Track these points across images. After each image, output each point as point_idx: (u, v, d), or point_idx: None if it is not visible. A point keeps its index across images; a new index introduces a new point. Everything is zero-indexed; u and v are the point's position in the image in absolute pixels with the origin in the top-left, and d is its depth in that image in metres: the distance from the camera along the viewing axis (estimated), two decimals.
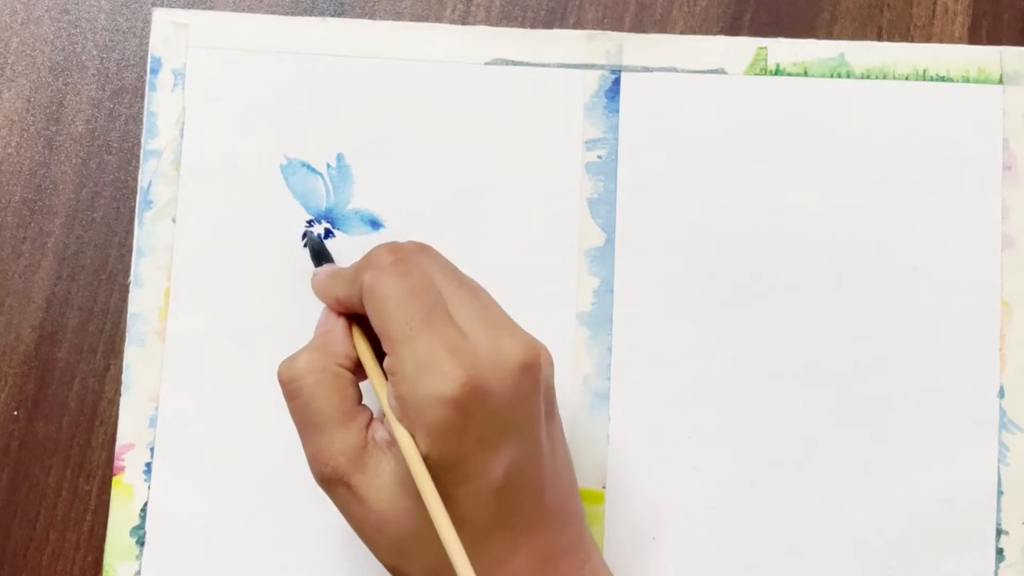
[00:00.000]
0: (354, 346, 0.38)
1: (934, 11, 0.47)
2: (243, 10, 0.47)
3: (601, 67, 0.46)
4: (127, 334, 0.45)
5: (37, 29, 0.47)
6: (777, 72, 0.46)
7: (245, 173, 0.46)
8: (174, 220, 0.46)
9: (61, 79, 0.47)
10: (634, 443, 0.45)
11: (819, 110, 0.46)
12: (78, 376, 0.45)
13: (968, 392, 0.45)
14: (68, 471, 0.45)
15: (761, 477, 0.45)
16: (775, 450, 0.45)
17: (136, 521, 0.44)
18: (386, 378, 0.36)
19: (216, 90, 0.46)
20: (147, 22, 0.47)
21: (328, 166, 0.46)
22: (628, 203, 0.46)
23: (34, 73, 0.47)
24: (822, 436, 0.45)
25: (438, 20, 0.47)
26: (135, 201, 0.46)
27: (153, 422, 0.45)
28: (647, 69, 0.46)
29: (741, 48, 0.46)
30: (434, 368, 0.34)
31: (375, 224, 0.46)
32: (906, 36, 0.47)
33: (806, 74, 0.46)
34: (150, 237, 0.46)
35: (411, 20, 0.47)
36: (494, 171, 0.46)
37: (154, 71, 0.46)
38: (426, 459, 0.34)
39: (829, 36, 0.47)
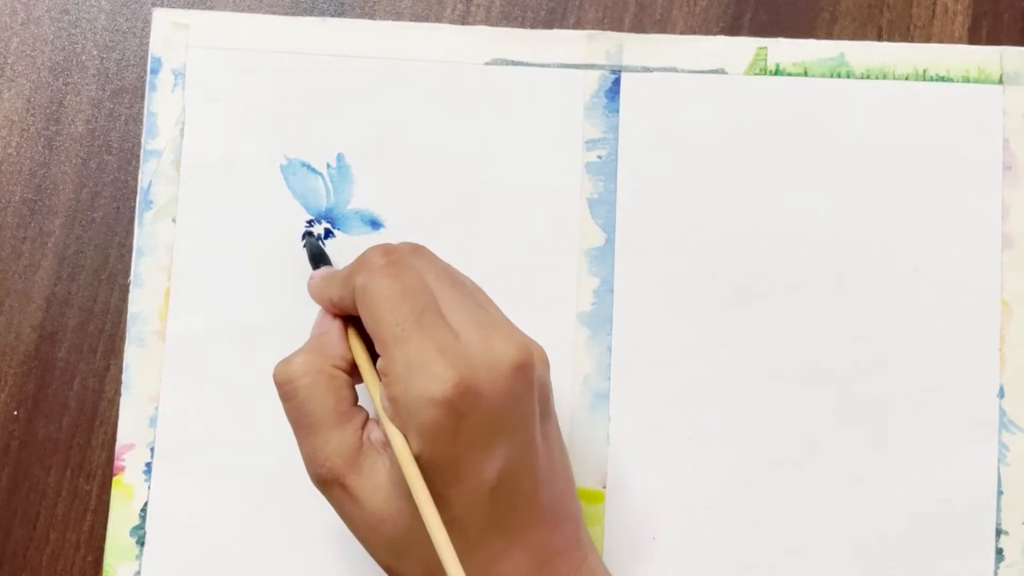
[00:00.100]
0: (349, 348, 0.38)
1: (934, 11, 0.47)
2: (243, 10, 0.47)
3: (601, 67, 0.46)
4: (127, 334, 0.45)
5: (37, 29, 0.47)
6: (777, 72, 0.46)
7: (245, 173, 0.46)
8: (174, 220, 0.46)
9: (61, 79, 0.47)
10: (634, 443, 0.45)
11: (819, 110, 0.46)
12: (78, 376, 0.45)
13: (968, 392, 0.45)
14: (68, 471, 0.45)
15: (761, 477, 0.45)
16: (775, 450, 0.45)
17: (136, 521, 0.44)
18: (380, 379, 0.36)
19: (216, 90, 0.46)
20: (147, 22, 0.47)
21: (328, 166, 0.46)
22: (628, 203, 0.46)
23: (34, 73, 0.47)
24: (822, 436, 0.45)
25: (438, 20, 0.47)
26: (135, 201, 0.46)
27: (153, 422, 0.45)
28: (647, 69, 0.46)
29: (741, 48, 0.46)
30: (425, 369, 0.34)
31: (375, 224, 0.46)
32: (906, 36, 0.47)
33: (806, 74, 0.46)
34: (150, 237, 0.46)
35: (411, 20, 0.47)
36: (494, 171, 0.46)
37: (154, 71, 0.46)
38: (418, 459, 0.34)
39: (829, 36, 0.47)
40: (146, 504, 0.44)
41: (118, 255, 0.46)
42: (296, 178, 0.46)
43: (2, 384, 0.45)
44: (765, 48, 0.46)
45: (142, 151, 0.46)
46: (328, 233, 0.46)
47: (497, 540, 0.36)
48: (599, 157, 0.46)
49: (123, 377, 0.45)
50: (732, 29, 0.47)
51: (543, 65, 0.46)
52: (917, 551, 0.44)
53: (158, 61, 0.46)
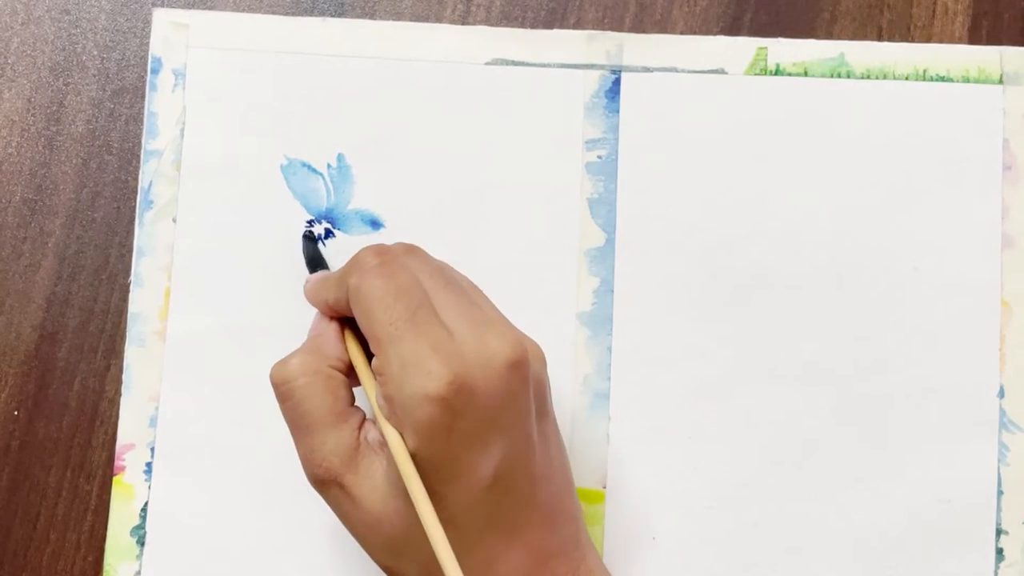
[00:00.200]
0: (346, 349, 0.39)
1: (934, 11, 0.47)
2: (243, 10, 0.47)
3: (601, 67, 0.46)
4: (127, 334, 0.45)
5: (38, 29, 0.47)
6: (777, 72, 0.46)
7: (245, 173, 0.46)
8: (174, 220, 0.46)
9: (62, 79, 0.47)
10: (634, 443, 0.45)
11: (819, 110, 0.46)
12: (78, 376, 0.45)
13: (968, 392, 0.45)
14: (68, 471, 0.45)
15: (761, 477, 0.45)
16: (775, 450, 0.45)
17: (136, 521, 0.44)
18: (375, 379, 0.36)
19: (216, 90, 0.46)
20: (147, 22, 0.47)
21: (328, 166, 0.46)
22: (628, 203, 0.46)
23: (35, 73, 0.47)
24: (822, 436, 0.45)
25: (438, 20, 0.47)
26: (135, 201, 0.46)
27: (153, 422, 0.45)
28: (647, 69, 0.46)
29: (741, 48, 0.46)
30: (420, 367, 0.34)
31: (375, 224, 0.46)
32: (906, 36, 0.47)
33: (806, 74, 0.46)
34: (150, 237, 0.46)
35: (411, 20, 0.47)
36: (494, 171, 0.46)
37: (154, 71, 0.46)
38: (414, 457, 0.34)
39: (829, 36, 0.47)
40: (146, 504, 0.44)
41: (118, 255, 0.46)
42: (296, 178, 0.46)
43: (2, 384, 0.45)
44: (765, 48, 0.46)
45: (142, 151, 0.46)
46: (328, 233, 0.46)
47: (494, 539, 0.36)
48: (599, 157, 0.46)
49: (123, 377, 0.45)
50: (732, 29, 0.47)
51: (543, 65, 0.46)
52: (917, 551, 0.44)
53: (158, 61, 0.46)
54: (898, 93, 0.46)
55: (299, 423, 0.37)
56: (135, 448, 0.45)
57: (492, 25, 0.47)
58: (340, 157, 0.46)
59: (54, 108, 0.47)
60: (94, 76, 0.47)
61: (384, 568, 0.37)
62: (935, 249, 0.45)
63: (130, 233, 0.46)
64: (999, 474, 0.44)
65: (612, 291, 0.45)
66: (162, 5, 0.47)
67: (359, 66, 0.46)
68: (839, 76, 0.46)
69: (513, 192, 0.46)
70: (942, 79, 0.46)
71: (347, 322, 0.39)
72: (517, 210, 0.46)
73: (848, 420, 0.45)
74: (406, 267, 0.37)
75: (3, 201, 0.46)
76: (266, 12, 0.47)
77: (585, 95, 0.46)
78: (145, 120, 0.46)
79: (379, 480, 0.36)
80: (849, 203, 0.46)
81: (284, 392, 0.37)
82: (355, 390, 0.39)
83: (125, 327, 0.45)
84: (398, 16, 0.47)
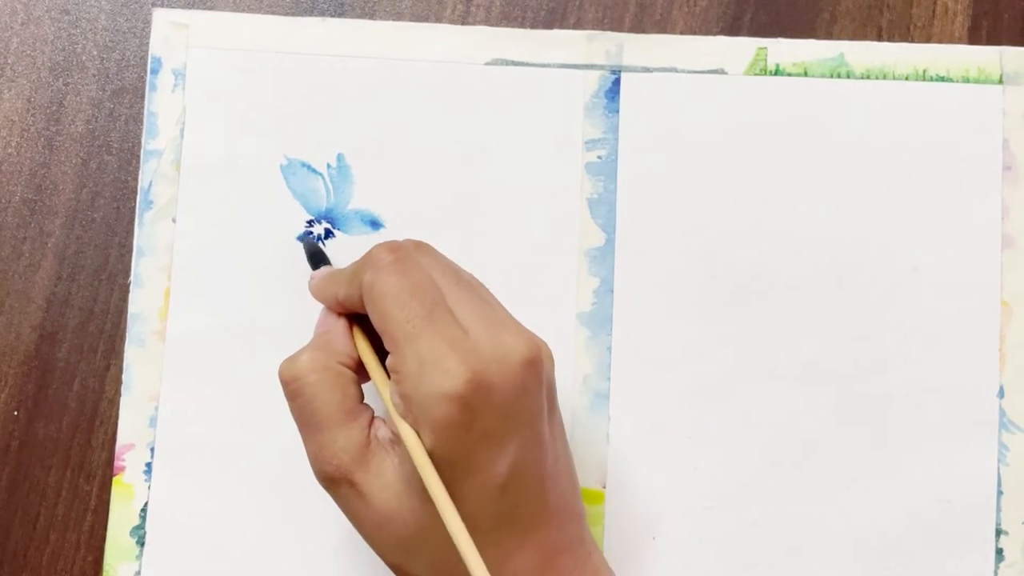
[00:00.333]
0: (355, 345, 0.38)
1: (934, 11, 0.47)
2: (243, 10, 0.47)
3: (601, 67, 0.46)
4: (127, 334, 0.45)
5: (37, 29, 0.47)
6: (777, 72, 0.46)
7: (245, 173, 0.46)
8: (174, 220, 0.46)
9: (61, 79, 0.47)
10: (634, 443, 0.45)
11: (819, 110, 0.46)
12: (78, 376, 0.45)
13: (968, 392, 0.45)
14: (68, 471, 0.45)
15: (761, 477, 0.45)
16: (775, 450, 0.45)
17: (136, 521, 0.44)
18: (388, 377, 0.36)
19: (216, 90, 0.46)
20: (147, 22, 0.47)
21: (328, 166, 0.46)
22: (628, 203, 0.46)
23: (34, 73, 0.47)
24: (822, 436, 0.45)
25: (438, 20, 0.47)
26: (135, 201, 0.46)
27: (153, 422, 0.45)
28: (647, 69, 0.46)
29: (741, 48, 0.46)
30: (437, 365, 0.34)
31: (375, 224, 0.46)
32: (906, 36, 0.47)
33: (806, 74, 0.46)
34: (150, 237, 0.46)
35: (411, 20, 0.47)
36: (494, 171, 0.46)
37: (154, 71, 0.46)
38: (431, 455, 0.34)
39: (829, 36, 0.47)
40: (146, 504, 0.44)
41: (118, 255, 0.46)
42: (296, 178, 0.46)
43: (2, 384, 0.45)
44: (765, 48, 0.46)
45: (142, 151, 0.46)
46: (328, 233, 0.46)
47: (506, 537, 0.36)
48: (599, 157, 0.46)
49: (123, 377, 0.45)
50: (732, 29, 0.47)
51: (543, 65, 0.46)
52: (917, 551, 0.44)
53: (158, 61, 0.46)
54: (898, 93, 0.46)
55: (308, 421, 0.37)
56: (135, 448, 0.45)
57: (492, 25, 0.47)
58: (340, 157, 0.46)
59: (54, 108, 0.47)
60: (94, 76, 0.47)
61: (393, 566, 0.37)
62: (935, 249, 0.45)
63: (130, 233, 0.46)
64: (999, 474, 0.44)
65: (612, 291, 0.45)
66: (162, 5, 0.47)
67: (359, 66, 0.46)
68: (839, 76, 0.46)
69: (513, 192, 0.46)
70: (942, 79, 0.46)
71: (355, 319, 0.39)
72: (517, 210, 0.46)
73: (848, 420, 0.45)
74: (419, 264, 0.37)
75: (3, 201, 0.46)
76: (266, 12, 0.47)
77: (585, 95, 0.46)
78: (145, 120, 0.46)
79: (390, 478, 0.36)
80: (849, 203, 0.46)
81: (293, 389, 0.37)
82: (363, 387, 0.39)
83: (125, 327, 0.45)
84: (398, 16, 0.47)
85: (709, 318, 0.45)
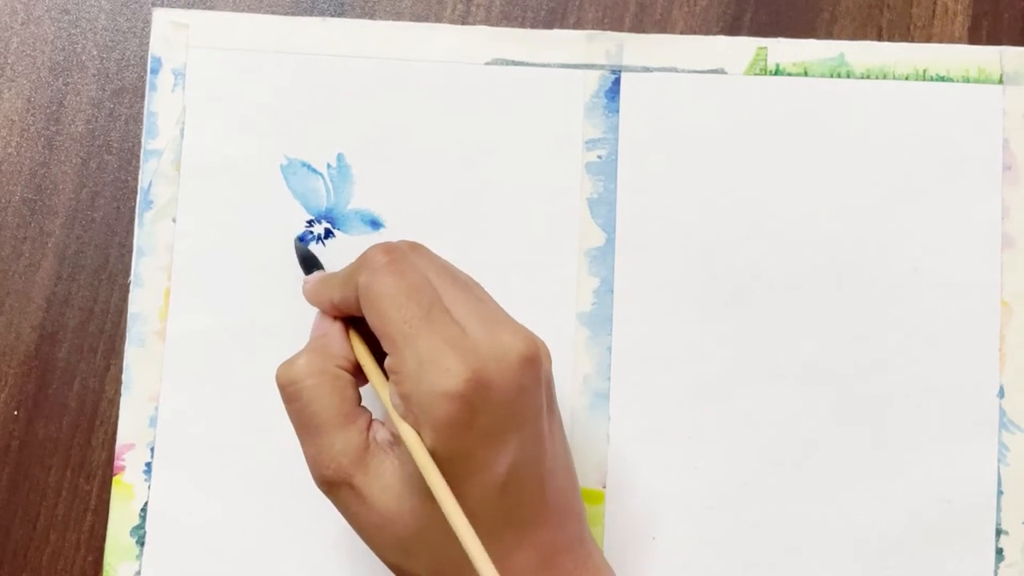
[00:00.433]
0: (352, 348, 0.38)
1: (934, 11, 0.47)
2: (243, 10, 0.47)
3: (601, 67, 0.46)
4: (127, 334, 0.45)
5: (37, 29, 0.47)
6: (777, 72, 0.46)
7: (245, 173, 0.46)
8: (174, 220, 0.46)
9: (61, 79, 0.47)
10: (634, 443, 0.45)
11: (819, 110, 0.46)
12: (78, 376, 0.45)
13: (968, 392, 0.45)
14: (68, 471, 0.45)
15: (761, 477, 0.45)
16: (775, 450, 0.45)
17: (136, 521, 0.44)
18: (387, 378, 0.36)
19: (216, 90, 0.46)
20: (147, 22, 0.47)
21: (328, 166, 0.46)
22: (628, 203, 0.46)
23: (34, 73, 0.47)
24: (822, 436, 0.45)
25: (438, 20, 0.47)
26: (135, 201, 0.46)
27: (153, 422, 0.45)
28: (647, 69, 0.46)
29: (741, 48, 0.46)
30: (437, 364, 0.34)
31: (375, 224, 0.46)
32: (906, 36, 0.47)
33: (806, 74, 0.46)
34: (150, 237, 0.46)
35: (411, 20, 0.47)
36: (494, 171, 0.46)
37: (154, 71, 0.46)
38: (432, 455, 0.34)
39: (829, 36, 0.47)
40: (146, 504, 0.44)
41: (118, 255, 0.46)
42: (296, 178, 0.46)
43: (2, 384, 0.45)
44: (765, 48, 0.46)
45: (142, 151, 0.46)
46: (328, 233, 0.46)
47: (507, 535, 0.36)
48: (599, 157, 0.46)
49: (123, 377, 0.45)
50: (732, 29, 0.47)
51: (543, 65, 0.46)
52: (917, 551, 0.44)
53: (158, 61, 0.46)
54: (898, 93, 0.46)
55: (307, 424, 0.37)
56: (135, 448, 0.45)
57: (492, 25, 0.47)
58: (340, 157, 0.46)
59: (54, 108, 0.47)
60: (94, 76, 0.47)
61: (392, 566, 0.37)
62: (935, 249, 0.45)
63: (130, 233, 0.46)
64: (999, 474, 0.44)
65: (612, 291, 0.45)
66: (162, 5, 0.47)
67: (359, 66, 0.46)
68: (839, 76, 0.46)
69: (513, 192, 0.46)
70: (942, 79, 0.46)
71: (351, 321, 0.39)
72: (517, 210, 0.46)
73: (848, 420, 0.45)
74: (415, 265, 0.37)
75: (3, 201, 0.46)
76: (266, 12, 0.47)
77: (585, 95, 0.46)
78: (145, 120, 0.46)
79: (390, 479, 0.36)
80: (849, 203, 0.46)
81: (291, 393, 0.37)
82: (361, 390, 0.39)
83: (125, 327, 0.45)
84: (398, 16, 0.47)
85: (709, 318, 0.45)
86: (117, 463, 0.45)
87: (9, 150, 0.46)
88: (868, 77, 0.46)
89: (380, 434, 0.37)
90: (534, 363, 0.36)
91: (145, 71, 0.47)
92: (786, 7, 0.47)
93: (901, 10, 0.47)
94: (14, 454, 0.45)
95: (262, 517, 0.44)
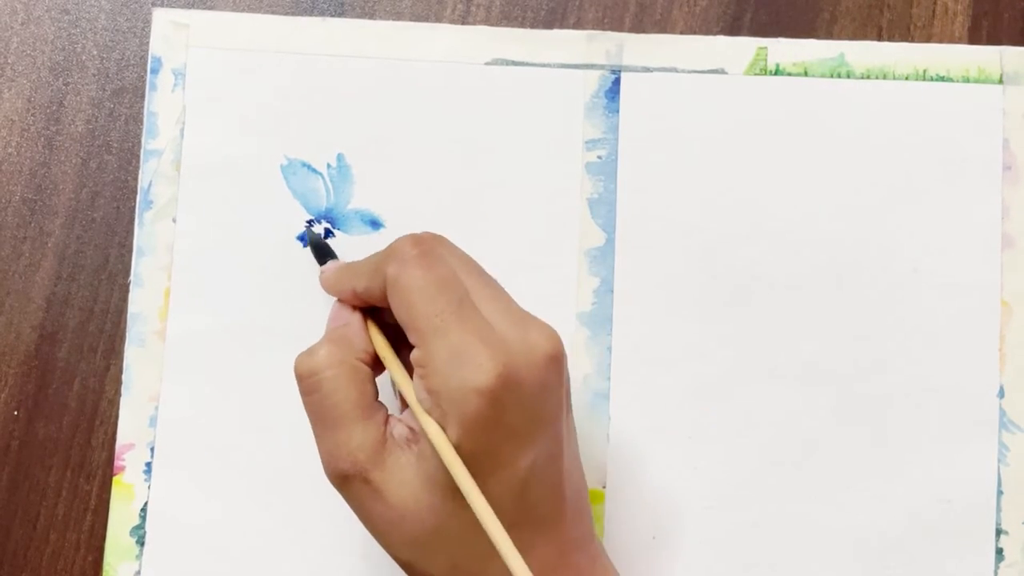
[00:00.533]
0: (370, 340, 0.38)
1: (934, 11, 0.47)
2: (243, 10, 0.47)
3: (601, 67, 0.46)
4: (127, 334, 0.45)
5: (37, 29, 0.47)
6: (777, 72, 0.46)
7: (245, 173, 0.46)
8: (174, 220, 0.46)
9: (61, 79, 0.47)
10: (634, 443, 0.45)
11: (819, 110, 0.46)
12: (78, 376, 0.45)
13: (968, 392, 0.45)
14: (68, 471, 0.45)
15: (761, 477, 0.45)
16: (775, 450, 0.45)
17: (136, 521, 0.44)
18: (408, 372, 0.36)
19: (216, 90, 0.46)
20: (147, 22, 0.47)
21: (328, 166, 0.46)
22: (628, 203, 0.46)
23: (34, 73, 0.47)
24: (822, 436, 0.45)
25: (438, 20, 0.47)
26: (135, 201, 0.46)
27: (153, 422, 0.45)
28: (647, 69, 0.46)
29: (741, 48, 0.46)
30: (468, 359, 0.34)
31: (375, 224, 0.46)
32: (906, 36, 0.47)
33: (806, 74, 0.46)
34: (150, 237, 0.46)
35: (411, 20, 0.47)
36: (494, 171, 0.46)
37: (154, 71, 0.46)
38: (457, 450, 0.34)
39: (829, 36, 0.47)
40: (146, 504, 0.44)
41: (118, 255, 0.46)
42: (296, 178, 0.46)
43: (2, 384, 0.45)
44: (765, 48, 0.46)
45: (142, 151, 0.46)
46: (328, 233, 0.46)
47: (526, 532, 0.35)
48: (599, 157, 0.46)
49: (123, 377, 0.45)
50: (732, 29, 0.47)
51: (543, 65, 0.46)
52: (917, 551, 0.44)
53: (158, 61, 0.46)
54: (898, 93, 0.46)
55: (325, 417, 0.36)
56: (135, 448, 0.45)
57: (492, 25, 0.47)
58: (340, 157, 0.46)
59: (54, 108, 0.47)
60: (94, 76, 0.47)
61: (404, 565, 0.37)
62: (935, 249, 0.45)
63: (130, 233, 0.46)
64: (999, 474, 0.44)
65: (612, 291, 0.45)
66: (162, 5, 0.47)
67: (359, 66, 0.46)
68: (839, 76, 0.46)
69: (513, 192, 0.46)
70: (942, 79, 0.46)
71: (369, 312, 0.39)
72: (517, 210, 0.46)
73: (848, 420, 0.45)
74: (443, 258, 0.36)
75: (3, 201, 0.46)
76: (266, 12, 0.47)
77: (585, 95, 0.46)
78: (145, 120, 0.46)
79: (407, 476, 0.35)
80: (849, 203, 0.46)
81: (310, 384, 0.37)
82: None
83: (125, 327, 0.45)
84: (398, 16, 0.47)
85: (709, 318, 0.45)
86: (117, 463, 0.45)
87: (9, 150, 0.46)
88: (868, 77, 0.46)
89: (398, 429, 0.36)
90: (559, 361, 0.36)
91: (145, 71, 0.47)
92: (786, 7, 0.47)
93: (901, 10, 0.47)
94: (14, 454, 0.45)
95: (262, 517, 0.44)
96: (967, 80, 0.46)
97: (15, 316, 0.46)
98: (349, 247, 0.45)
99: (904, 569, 0.44)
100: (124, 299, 0.45)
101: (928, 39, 0.47)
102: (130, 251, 0.46)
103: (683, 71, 0.46)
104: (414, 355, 0.35)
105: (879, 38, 0.47)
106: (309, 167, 0.46)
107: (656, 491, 0.44)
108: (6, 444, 0.45)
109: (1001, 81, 0.46)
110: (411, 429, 0.36)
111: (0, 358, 0.46)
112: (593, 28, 0.47)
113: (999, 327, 0.45)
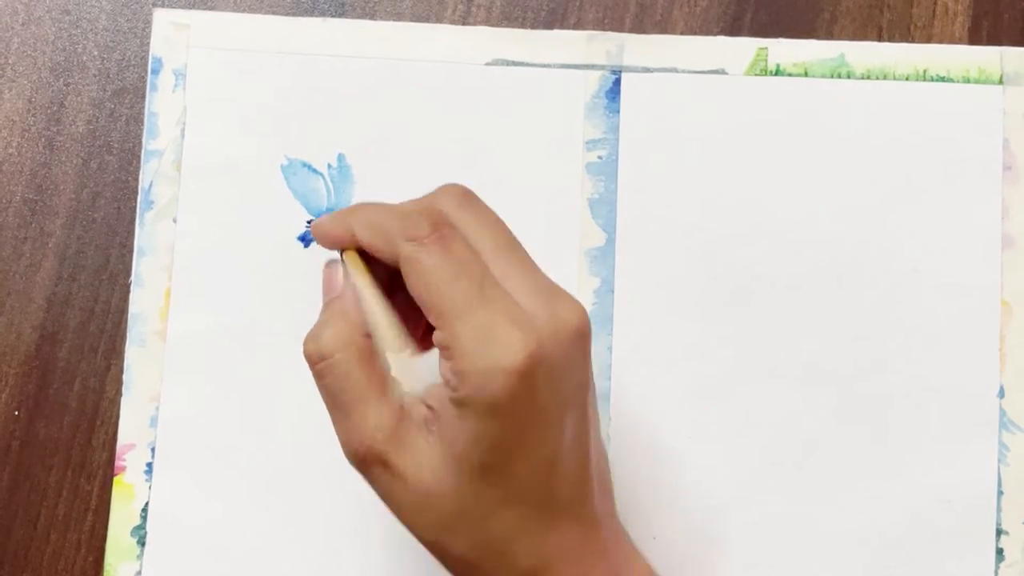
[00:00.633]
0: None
1: (934, 11, 0.47)
2: (244, 10, 0.47)
3: (601, 67, 0.46)
4: (128, 334, 0.45)
5: (38, 29, 0.47)
6: (777, 72, 0.46)
7: (246, 173, 0.46)
8: (175, 220, 0.46)
9: (62, 79, 0.47)
10: (634, 443, 0.45)
11: (819, 110, 0.46)
12: (79, 376, 0.45)
13: (968, 392, 0.45)
14: (69, 471, 0.45)
15: (761, 477, 0.45)
16: (775, 450, 0.45)
17: (137, 521, 0.44)
18: (411, 334, 0.36)
19: (217, 90, 0.46)
20: (148, 22, 0.47)
21: (329, 166, 0.46)
22: (628, 203, 0.46)
23: (35, 73, 0.47)
24: (822, 436, 0.45)
25: (439, 20, 0.47)
26: (136, 201, 0.46)
27: (154, 422, 0.45)
28: (647, 69, 0.46)
29: (741, 48, 0.46)
30: (497, 340, 0.33)
31: None
32: (906, 36, 0.47)
33: (806, 74, 0.46)
34: (151, 237, 0.46)
35: (411, 20, 0.47)
36: (494, 171, 0.46)
37: (155, 71, 0.46)
38: (489, 432, 0.34)
39: (829, 36, 0.47)
40: (147, 504, 0.44)
41: (119, 255, 0.46)
42: (297, 178, 0.46)
43: (3, 384, 0.45)
44: (765, 48, 0.46)
45: (143, 151, 0.46)
46: None
47: (552, 510, 0.35)
48: (600, 157, 0.46)
49: (124, 377, 0.45)
50: (732, 29, 0.47)
51: (543, 65, 0.46)
52: (917, 551, 0.44)
53: (159, 61, 0.46)
54: (898, 93, 0.46)
55: (340, 399, 0.36)
56: (135, 448, 0.45)
57: (492, 25, 0.47)
58: (340, 157, 0.46)
59: (54, 108, 0.47)
60: (94, 76, 0.47)
61: (430, 544, 0.36)
62: (935, 249, 0.45)
63: (130, 233, 0.46)
64: (999, 474, 0.44)
65: (612, 291, 0.45)
66: (162, 5, 0.47)
67: (359, 66, 0.46)
68: (839, 76, 0.46)
69: (513, 192, 0.46)
70: (942, 79, 0.46)
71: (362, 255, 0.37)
72: (517, 210, 0.45)
73: (848, 420, 0.45)
74: (460, 237, 0.36)
75: (3, 201, 0.46)
76: (266, 12, 0.47)
77: (585, 95, 0.46)
78: (145, 120, 0.46)
79: (427, 456, 0.35)
80: (849, 203, 0.46)
81: (322, 368, 0.36)
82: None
83: (125, 327, 0.45)
84: (398, 16, 0.47)
85: (709, 318, 0.45)
86: (118, 463, 0.45)
87: (10, 150, 0.46)
88: (868, 77, 0.46)
89: (416, 410, 0.36)
90: (585, 338, 0.35)
91: (146, 71, 0.47)
92: (786, 7, 0.47)
93: (901, 10, 0.47)
94: (15, 454, 0.45)
95: (262, 517, 0.44)
96: (967, 80, 0.46)
97: (16, 316, 0.46)
98: None
99: (904, 569, 0.44)
100: (125, 299, 0.46)
101: (928, 39, 0.47)
102: (131, 251, 0.46)
103: (683, 71, 0.46)
104: (437, 337, 0.35)
105: (879, 38, 0.47)
106: (310, 167, 0.46)
107: (656, 491, 0.44)
108: (7, 444, 0.45)
109: (1001, 81, 0.46)
110: (430, 408, 0.35)
111: (1, 358, 0.46)
112: (593, 28, 0.47)
113: (999, 327, 0.45)
